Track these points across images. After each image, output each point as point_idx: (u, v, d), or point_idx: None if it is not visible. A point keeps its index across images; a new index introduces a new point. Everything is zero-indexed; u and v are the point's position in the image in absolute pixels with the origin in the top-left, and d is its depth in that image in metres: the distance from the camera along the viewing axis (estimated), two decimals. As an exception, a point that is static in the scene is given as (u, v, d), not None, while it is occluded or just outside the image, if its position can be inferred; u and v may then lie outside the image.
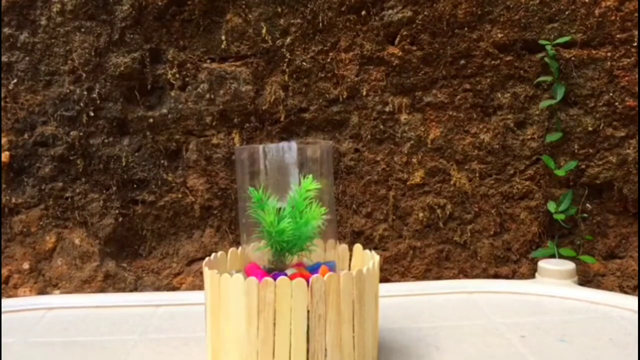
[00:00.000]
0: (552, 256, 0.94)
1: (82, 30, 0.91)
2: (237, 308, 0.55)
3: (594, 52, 0.92)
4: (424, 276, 0.98)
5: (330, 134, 0.95)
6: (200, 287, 0.62)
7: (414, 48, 0.93)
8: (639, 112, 0.93)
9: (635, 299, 0.77)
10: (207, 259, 0.61)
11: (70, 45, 0.91)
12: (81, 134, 0.93)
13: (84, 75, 0.92)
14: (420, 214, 0.97)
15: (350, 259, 0.66)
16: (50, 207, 0.94)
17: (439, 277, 0.98)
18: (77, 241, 0.96)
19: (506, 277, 0.98)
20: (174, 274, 0.97)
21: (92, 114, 0.93)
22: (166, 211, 0.96)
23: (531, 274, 0.97)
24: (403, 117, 0.94)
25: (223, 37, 0.92)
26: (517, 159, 0.96)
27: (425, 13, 0.91)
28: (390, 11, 0.92)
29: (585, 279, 0.97)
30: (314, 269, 0.58)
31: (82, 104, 0.92)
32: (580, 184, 0.96)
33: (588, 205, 0.96)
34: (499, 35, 0.92)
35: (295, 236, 0.57)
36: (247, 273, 0.58)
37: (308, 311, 0.54)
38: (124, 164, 0.94)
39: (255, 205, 0.58)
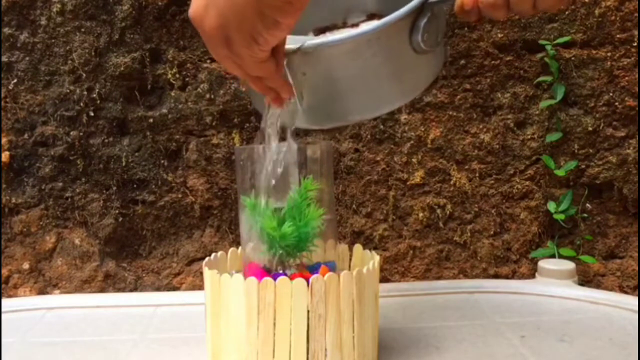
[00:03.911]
0: (552, 256, 0.94)
1: (82, 30, 0.91)
2: (237, 308, 0.55)
3: (594, 52, 0.92)
4: (424, 276, 0.98)
5: (330, 134, 0.95)
6: (200, 287, 0.62)
7: (414, 48, 0.93)
8: (639, 112, 0.93)
9: (635, 299, 0.77)
10: (207, 259, 0.61)
11: (70, 45, 0.91)
12: (81, 134, 0.93)
13: (84, 75, 0.92)
14: (420, 214, 0.97)
15: (350, 259, 0.66)
16: (50, 207, 0.94)
17: (439, 277, 0.98)
18: (77, 241, 0.96)
19: (506, 277, 0.98)
20: (174, 274, 0.97)
21: (92, 114, 0.93)
22: (166, 211, 0.96)
23: (531, 274, 0.97)
24: (403, 117, 0.94)
25: (223, 37, 0.92)
26: (517, 159, 0.96)
27: (425, 13, 0.91)
28: (390, 11, 0.92)
29: (585, 279, 0.97)
30: (314, 269, 0.58)
31: (82, 104, 0.92)
32: (580, 184, 0.96)
33: (588, 205, 0.96)
34: (499, 35, 0.92)
35: (296, 238, 0.57)
36: (247, 273, 0.58)
37: (308, 311, 0.54)
38: (124, 164, 0.94)
39: (252, 212, 0.57)
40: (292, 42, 0.50)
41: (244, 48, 0.46)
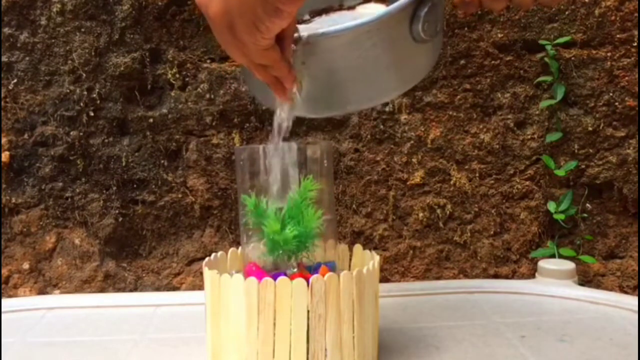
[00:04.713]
0: (552, 256, 0.94)
1: (82, 30, 0.91)
2: (237, 308, 0.55)
3: (594, 52, 0.92)
4: (424, 276, 0.98)
5: (330, 134, 0.95)
6: (200, 287, 0.62)
7: (414, 48, 0.93)
8: (639, 112, 0.93)
9: (635, 299, 0.77)
10: (207, 259, 0.61)
11: (70, 45, 0.91)
12: (81, 134, 0.93)
13: (84, 75, 0.92)
14: (420, 214, 0.97)
15: (350, 259, 0.66)
16: (50, 207, 0.94)
17: (439, 277, 0.98)
18: (77, 241, 0.96)
19: (506, 277, 0.98)
20: (174, 274, 0.97)
21: (92, 114, 0.93)
22: (166, 211, 0.96)
23: (531, 274, 0.97)
24: (403, 117, 0.94)
25: (223, 37, 0.92)
26: (517, 159, 0.96)
27: (425, 13, 0.91)
28: (390, 11, 0.92)
29: (585, 279, 0.97)
30: (314, 269, 0.58)
31: (82, 104, 0.92)
32: (580, 184, 0.96)
33: (588, 205, 0.96)
34: (499, 35, 0.92)
35: (298, 242, 0.57)
36: (247, 273, 0.58)
37: (308, 311, 0.54)
38: (124, 164, 0.94)
39: (253, 212, 0.57)
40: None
41: (247, 35, 0.46)
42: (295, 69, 0.52)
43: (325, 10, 0.64)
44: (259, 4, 0.43)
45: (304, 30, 0.51)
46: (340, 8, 0.64)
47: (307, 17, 0.63)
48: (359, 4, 0.63)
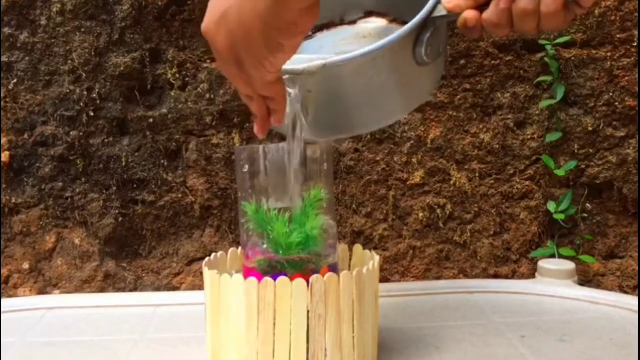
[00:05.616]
0: (552, 256, 0.94)
1: (82, 30, 0.91)
2: (237, 308, 0.55)
3: (594, 52, 0.92)
4: (424, 276, 0.98)
5: (330, 134, 0.95)
6: (200, 287, 0.63)
7: (414, 48, 0.93)
8: (639, 112, 0.93)
9: (635, 299, 0.77)
10: (207, 259, 0.61)
11: (70, 45, 0.91)
12: (81, 134, 0.93)
13: (84, 75, 0.92)
14: (420, 214, 0.97)
15: (350, 259, 0.66)
16: (50, 207, 0.94)
17: (439, 277, 0.98)
18: (77, 241, 0.96)
19: (506, 277, 0.98)
20: (174, 274, 0.97)
21: (92, 114, 0.93)
22: (166, 211, 0.96)
23: (531, 274, 0.97)
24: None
25: (223, 37, 0.92)
26: (517, 159, 0.96)
27: (425, 13, 0.91)
28: (390, 11, 0.92)
29: (585, 279, 0.97)
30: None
31: (82, 104, 0.92)
32: (580, 184, 0.96)
33: (588, 205, 0.96)
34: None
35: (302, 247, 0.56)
36: (247, 273, 0.58)
37: (308, 311, 0.54)
38: (124, 164, 0.94)
39: (254, 218, 0.57)
40: (298, 61, 0.51)
41: (254, 69, 0.46)
42: (302, 96, 0.52)
43: (327, 26, 0.64)
44: (262, 40, 0.43)
45: (307, 60, 0.51)
46: (342, 23, 0.64)
47: (309, 32, 0.63)
48: (360, 18, 0.63)
